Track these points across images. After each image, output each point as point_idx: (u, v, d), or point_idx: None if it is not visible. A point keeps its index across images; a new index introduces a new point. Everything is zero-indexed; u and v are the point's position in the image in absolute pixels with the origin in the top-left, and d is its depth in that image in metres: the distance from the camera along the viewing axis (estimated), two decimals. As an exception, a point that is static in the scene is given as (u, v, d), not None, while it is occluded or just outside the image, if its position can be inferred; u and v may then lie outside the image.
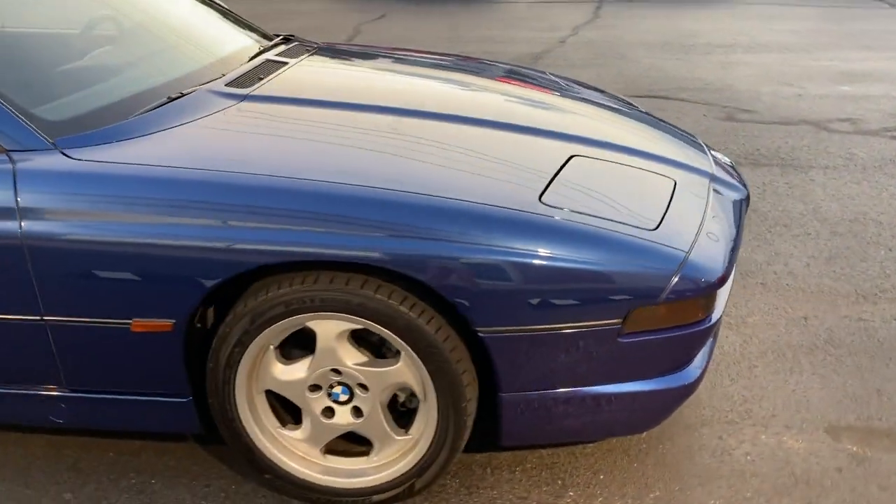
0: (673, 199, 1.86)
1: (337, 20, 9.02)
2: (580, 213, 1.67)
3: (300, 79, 2.23)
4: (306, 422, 1.80)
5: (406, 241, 1.57)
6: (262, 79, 2.14)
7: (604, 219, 1.67)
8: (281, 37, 2.73)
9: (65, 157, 1.67)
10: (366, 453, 1.83)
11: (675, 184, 1.95)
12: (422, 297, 1.62)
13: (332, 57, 2.61)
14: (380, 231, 1.58)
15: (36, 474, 1.97)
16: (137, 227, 1.60)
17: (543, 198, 1.70)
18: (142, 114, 1.85)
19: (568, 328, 1.63)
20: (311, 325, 1.68)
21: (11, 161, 1.65)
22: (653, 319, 1.66)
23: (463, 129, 1.99)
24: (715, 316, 1.78)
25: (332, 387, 1.75)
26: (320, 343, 1.70)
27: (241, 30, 2.74)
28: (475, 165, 1.82)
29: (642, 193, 1.86)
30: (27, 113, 1.72)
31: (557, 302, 1.61)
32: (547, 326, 1.63)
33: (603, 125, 2.27)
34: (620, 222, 1.68)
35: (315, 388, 1.76)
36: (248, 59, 2.32)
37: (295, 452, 1.83)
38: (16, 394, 1.84)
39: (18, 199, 1.62)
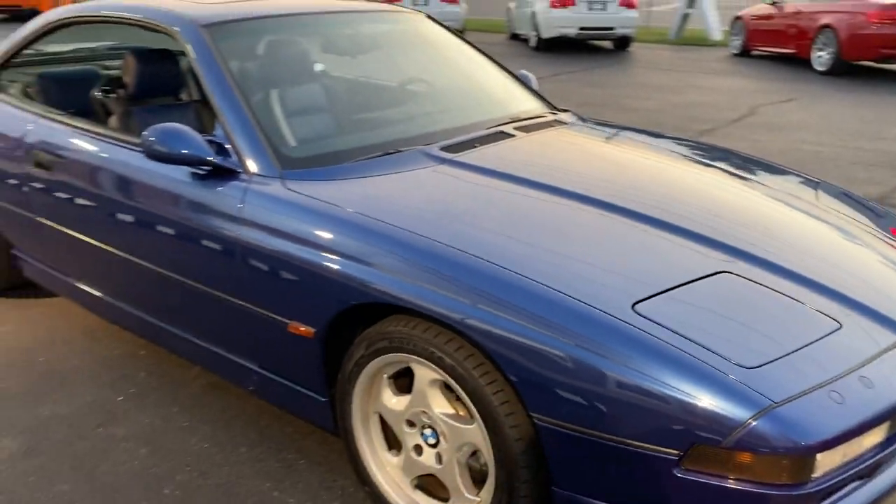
0: (816, 344, 1.62)
1: (736, 99, 8.77)
2: (668, 329, 1.58)
3: (511, 152, 2.42)
4: (403, 452, 1.99)
5: (486, 311, 1.68)
6: (475, 147, 2.40)
7: (692, 341, 1.56)
8: (552, 110, 2.94)
9: (282, 186, 2.13)
10: (447, 500, 1.95)
11: (839, 328, 1.68)
12: (498, 368, 1.71)
13: (573, 136, 2.73)
14: (466, 295, 1.71)
15: (236, 425, 2.50)
16: (306, 248, 1.98)
17: (639, 306, 1.64)
18: (354, 162, 2.25)
19: (621, 442, 1.56)
20: (412, 366, 1.88)
21: (250, 182, 2.17)
22: (719, 464, 1.50)
23: (627, 225, 1.98)
24: (820, 484, 1.51)
25: (424, 427, 1.92)
26: (416, 384, 1.89)
27: (524, 100, 3.03)
28: (602, 261, 1.82)
29: (776, 328, 1.65)
30: (275, 147, 2.24)
31: (613, 412, 1.55)
32: (599, 434, 1.58)
33: (805, 245, 2.02)
34: (710, 350, 1.54)
35: (411, 423, 1.94)
36: (487, 126, 2.60)
37: (391, 476, 2.04)
38: (229, 359, 2.36)
39: (243, 209, 2.13)
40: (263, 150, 2.23)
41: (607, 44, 14.33)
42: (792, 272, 1.85)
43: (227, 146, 2.26)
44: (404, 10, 3.26)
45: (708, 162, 2.66)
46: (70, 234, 2.72)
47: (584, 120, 3.01)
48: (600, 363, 1.56)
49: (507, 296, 1.68)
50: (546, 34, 13.33)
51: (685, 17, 15.71)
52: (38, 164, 2.76)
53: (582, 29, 13.15)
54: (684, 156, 2.72)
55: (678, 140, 2.98)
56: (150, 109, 2.97)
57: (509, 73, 3.25)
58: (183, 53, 3.25)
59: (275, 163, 2.20)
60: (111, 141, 2.58)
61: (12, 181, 2.92)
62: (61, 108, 3.03)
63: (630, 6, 13.31)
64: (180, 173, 2.31)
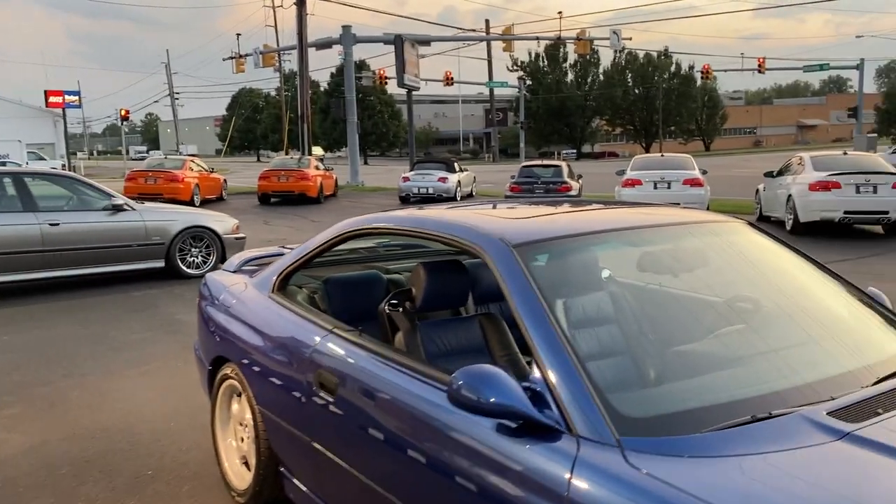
0: None
1: None
2: None
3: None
4: None
5: None
6: (879, 413, 1.77)
7: None
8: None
9: (623, 459, 1.64)
10: None
11: None
12: None
13: None
14: None
15: None
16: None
17: None
18: (717, 429, 1.71)
19: None
20: None
21: (578, 447, 1.71)
22: None
23: None
24: None
25: None
26: None
27: (890, 329, 2.37)
28: None
29: None
30: (606, 401, 1.78)
31: None
32: None
33: None
34: None
35: None
36: (875, 379, 1.96)
37: None
38: None
39: (572, 487, 1.65)
40: (592, 403, 1.78)
41: (876, 228, 12.92)
42: None
43: (546, 395, 1.85)
44: (724, 219, 2.81)
45: None
46: (344, 468, 2.42)
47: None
48: None
49: None
50: (805, 218, 12.28)
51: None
52: (322, 386, 2.55)
53: (847, 213, 11.97)
54: None
55: None
56: (435, 324, 2.73)
57: (856, 289, 2.61)
58: (476, 262, 3.00)
59: (609, 424, 1.73)
60: (402, 369, 2.28)
61: (288, 399, 2.73)
62: (347, 315, 2.88)
63: (906, 188, 11.97)
64: (485, 420, 1.92)
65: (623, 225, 2.53)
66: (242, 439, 3.29)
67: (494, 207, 2.95)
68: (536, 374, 1.90)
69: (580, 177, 19.59)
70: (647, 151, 59.77)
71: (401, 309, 2.78)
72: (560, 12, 65.72)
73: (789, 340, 2.24)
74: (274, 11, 46.24)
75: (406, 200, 21.23)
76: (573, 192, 17.28)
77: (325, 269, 3.69)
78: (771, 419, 1.74)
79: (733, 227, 2.78)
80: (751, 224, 2.83)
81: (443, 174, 21.52)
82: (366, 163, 64.71)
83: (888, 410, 1.78)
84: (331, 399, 2.49)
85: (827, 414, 1.75)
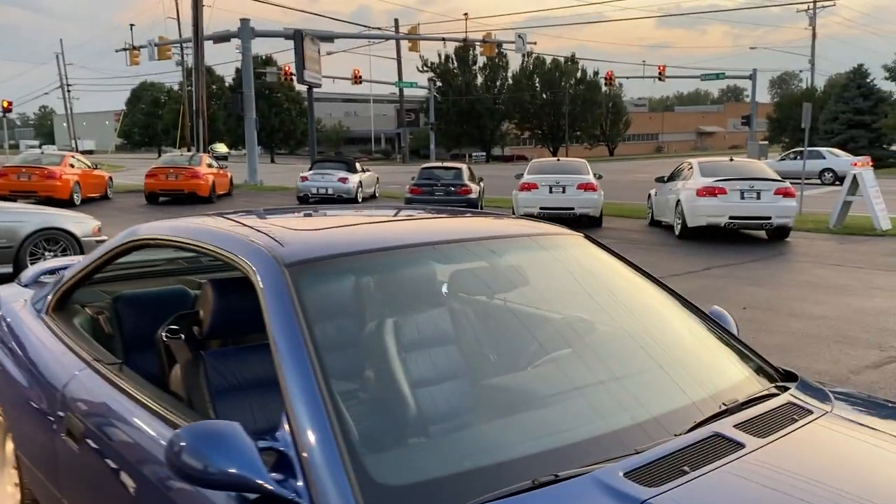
0: None
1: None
2: None
3: (744, 484, 1.48)
4: None
5: None
6: (684, 472, 1.47)
7: None
8: (768, 372, 2.00)
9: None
10: None
11: None
12: None
13: (829, 439, 1.75)
14: None
15: None
16: None
17: None
18: (493, 499, 1.38)
19: None
20: None
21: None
22: None
23: None
24: None
25: None
26: None
27: (728, 359, 2.11)
28: None
29: None
30: (358, 461, 1.42)
31: None
32: None
33: None
34: None
35: None
36: (692, 424, 1.68)
37: None
38: None
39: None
40: (341, 469, 1.42)
41: (761, 232, 13.24)
42: None
43: (291, 457, 1.47)
44: (557, 231, 2.50)
45: None
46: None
47: (821, 391, 2.03)
48: None
49: None
50: (692, 223, 12.45)
51: (847, 204, 14.42)
52: (69, 433, 2.10)
53: (733, 218, 12.19)
54: None
55: None
56: (225, 354, 2.30)
57: (696, 310, 2.35)
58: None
59: (356, 496, 1.37)
60: (150, 415, 1.87)
61: (42, 445, 2.27)
62: (139, 340, 2.44)
63: (788, 195, 12.29)
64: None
65: (435, 238, 2.19)
66: (16, 485, 2.79)
67: (302, 215, 2.57)
68: (286, 428, 1.53)
69: (481, 180, 19.44)
70: (555, 155, 60.58)
71: (182, 336, 2.35)
72: (466, 14, 65.98)
73: (606, 374, 1.95)
74: (176, 3, 44.33)
75: (304, 201, 20.58)
76: (473, 196, 17.09)
77: (139, 282, 3.22)
78: (557, 483, 1.42)
79: (569, 241, 2.48)
80: (589, 238, 2.54)
81: (343, 174, 20.96)
82: (272, 161, 63.13)
83: (696, 468, 1.48)
84: (76, 449, 2.05)
85: (624, 475, 1.45)
